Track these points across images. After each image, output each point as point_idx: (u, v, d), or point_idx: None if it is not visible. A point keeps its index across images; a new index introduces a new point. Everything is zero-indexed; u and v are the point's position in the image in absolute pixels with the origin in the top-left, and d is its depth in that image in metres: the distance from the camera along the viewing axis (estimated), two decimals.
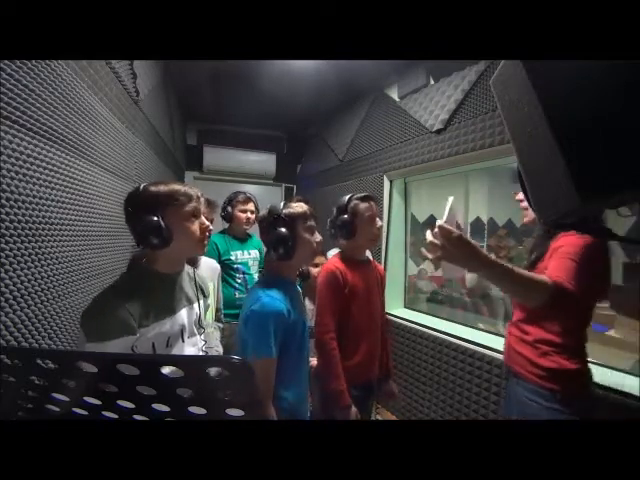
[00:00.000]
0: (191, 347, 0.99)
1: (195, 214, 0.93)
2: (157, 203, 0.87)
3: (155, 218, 0.85)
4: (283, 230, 1.07)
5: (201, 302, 1.06)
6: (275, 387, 1.03)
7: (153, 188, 0.89)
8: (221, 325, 1.73)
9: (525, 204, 1.20)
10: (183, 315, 0.96)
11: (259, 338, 1.00)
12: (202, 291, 1.09)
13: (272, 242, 1.09)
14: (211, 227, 0.97)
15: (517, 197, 1.24)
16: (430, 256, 0.84)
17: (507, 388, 1.30)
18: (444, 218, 0.85)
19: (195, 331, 1.02)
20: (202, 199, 0.95)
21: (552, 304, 0.88)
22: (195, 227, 0.92)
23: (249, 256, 2.25)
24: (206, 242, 0.97)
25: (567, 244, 1.04)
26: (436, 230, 0.80)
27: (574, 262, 0.98)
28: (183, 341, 0.96)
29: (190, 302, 1.00)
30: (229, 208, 2.20)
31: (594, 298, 1.08)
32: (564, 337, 1.07)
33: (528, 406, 1.10)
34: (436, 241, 0.80)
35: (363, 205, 1.43)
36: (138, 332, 0.82)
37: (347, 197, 1.45)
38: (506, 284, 0.89)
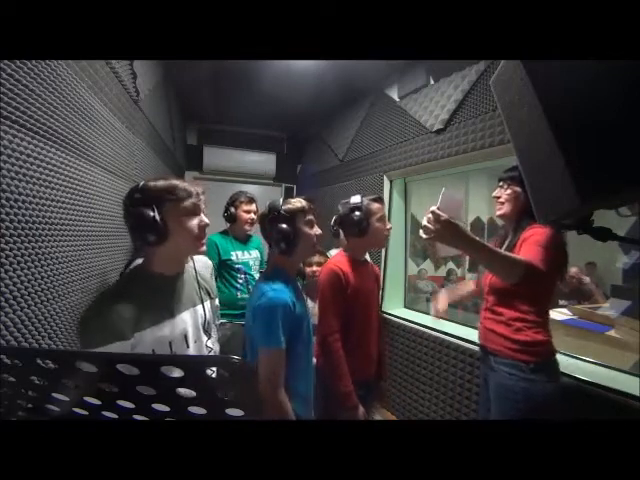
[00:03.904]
0: (198, 353, 0.94)
1: (194, 211, 0.88)
2: (154, 198, 0.83)
3: (151, 212, 0.81)
4: (284, 225, 1.10)
5: (206, 304, 1.02)
6: (286, 379, 1.04)
7: (152, 183, 0.85)
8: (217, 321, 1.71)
9: (502, 199, 1.37)
10: (185, 318, 0.92)
11: (268, 330, 1.01)
12: (207, 292, 1.06)
13: (274, 238, 1.12)
14: (208, 222, 0.93)
15: (494, 194, 1.40)
16: (425, 236, 1.00)
17: (483, 372, 1.42)
18: (437, 204, 1.00)
19: (202, 336, 0.98)
20: (202, 197, 0.91)
21: (526, 281, 1.05)
22: (193, 224, 0.88)
23: (250, 256, 2.23)
24: (204, 241, 0.93)
25: (536, 234, 1.20)
26: (429, 215, 0.97)
27: (542, 248, 1.14)
28: (188, 347, 0.91)
29: (193, 304, 0.97)
30: (232, 209, 2.16)
31: (556, 278, 1.27)
32: (533, 314, 1.23)
33: (507, 379, 1.23)
34: (429, 225, 0.97)
35: (376, 205, 1.46)
36: (133, 337, 0.79)
37: (359, 196, 1.46)
38: (489, 262, 1.07)
